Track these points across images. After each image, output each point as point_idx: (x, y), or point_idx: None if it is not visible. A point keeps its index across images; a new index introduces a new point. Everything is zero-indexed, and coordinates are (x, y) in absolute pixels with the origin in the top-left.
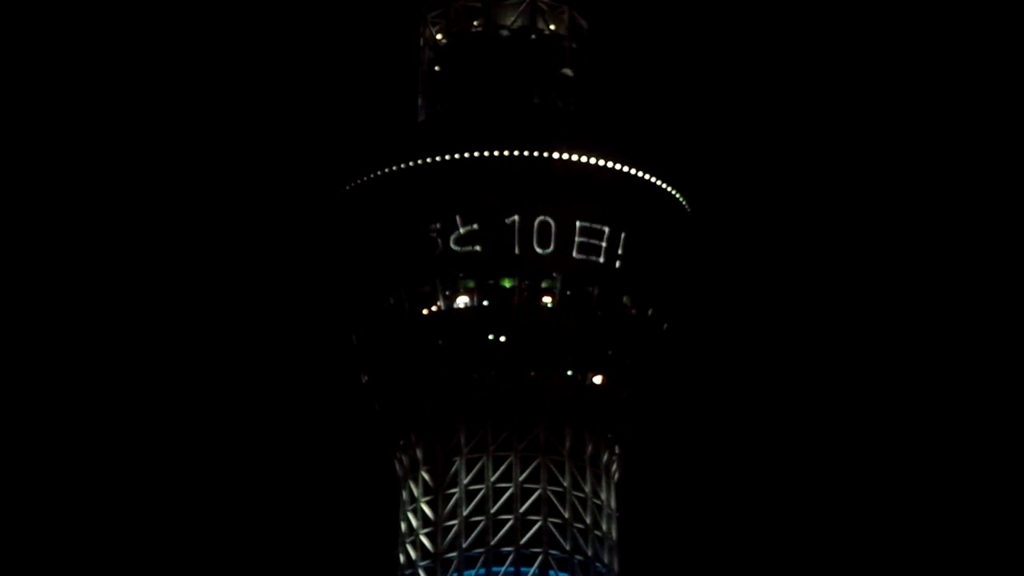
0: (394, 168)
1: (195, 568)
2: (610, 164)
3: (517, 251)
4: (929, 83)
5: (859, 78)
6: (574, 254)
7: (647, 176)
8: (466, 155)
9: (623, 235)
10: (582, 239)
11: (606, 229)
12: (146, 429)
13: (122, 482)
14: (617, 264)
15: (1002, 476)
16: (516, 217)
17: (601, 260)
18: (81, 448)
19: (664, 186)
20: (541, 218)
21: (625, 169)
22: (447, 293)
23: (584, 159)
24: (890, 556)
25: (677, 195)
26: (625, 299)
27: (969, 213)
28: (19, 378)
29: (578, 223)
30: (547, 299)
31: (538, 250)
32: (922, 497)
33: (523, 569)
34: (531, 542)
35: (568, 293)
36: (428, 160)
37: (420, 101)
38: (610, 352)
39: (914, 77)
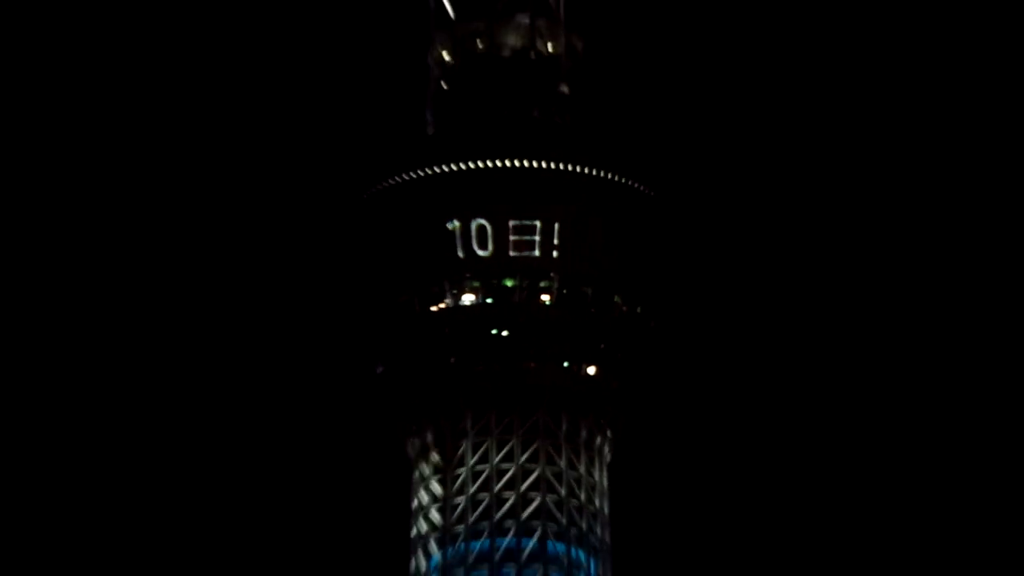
0: (405, 177)
1: (215, 548)
2: (612, 175)
3: (538, 251)
4: (914, 83)
5: (848, 82)
6: (569, 253)
7: (634, 183)
8: (473, 165)
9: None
10: (574, 242)
11: (602, 229)
12: (166, 416)
13: (140, 469)
14: (609, 261)
15: (994, 468)
16: (530, 222)
17: (595, 258)
18: (98, 429)
19: (644, 189)
20: (551, 223)
21: (605, 175)
22: (456, 291)
23: (579, 168)
24: (870, 526)
25: (661, 201)
26: (616, 298)
27: (962, 206)
28: (40, 380)
29: (565, 224)
30: (545, 297)
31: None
32: (902, 469)
33: (524, 541)
34: (531, 517)
35: (565, 292)
36: (440, 169)
37: (428, 115)
38: (602, 346)
39: (898, 80)
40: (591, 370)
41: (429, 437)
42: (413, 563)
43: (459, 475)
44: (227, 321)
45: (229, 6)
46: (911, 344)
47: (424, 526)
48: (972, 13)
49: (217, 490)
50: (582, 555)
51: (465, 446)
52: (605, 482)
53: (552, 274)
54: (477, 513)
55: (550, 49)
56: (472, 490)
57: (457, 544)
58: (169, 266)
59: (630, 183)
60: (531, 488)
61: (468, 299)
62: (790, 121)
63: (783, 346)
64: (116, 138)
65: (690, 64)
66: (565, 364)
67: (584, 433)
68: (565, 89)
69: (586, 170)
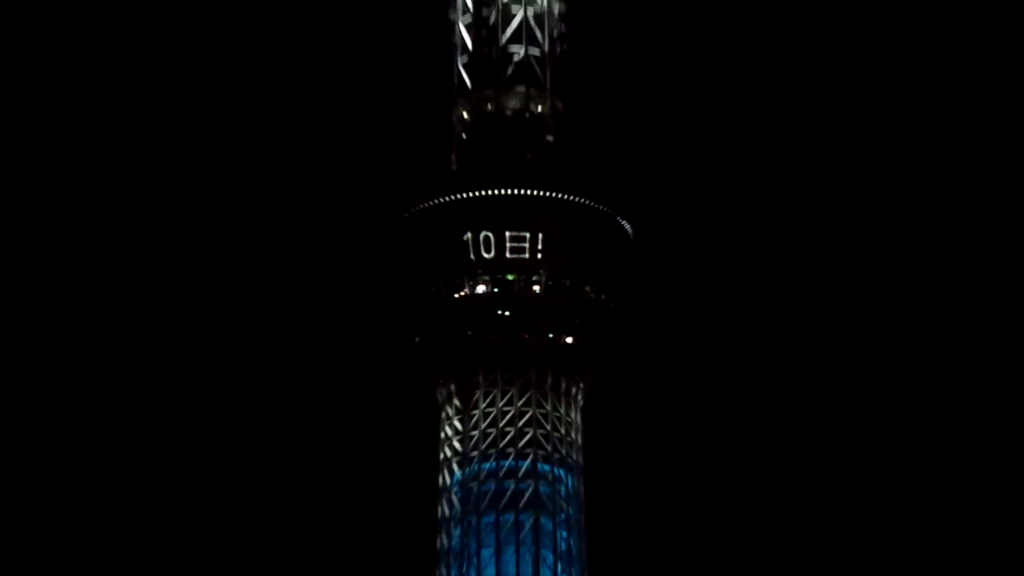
0: (436, 201)
1: (283, 468)
2: (583, 202)
3: (527, 255)
4: (892, 98)
5: (821, 105)
6: (553, 255)
7: (599, 205)
8: (483, 193)
9: (587, 243)
10: (554, 247)
11: (581, 239)
12: (225, 376)
13: (184, 442)
14: (584, 259)
15: (973, 461)
16: (523, 233)
17: (582, 255)
18: (116, 418)
19: (606, 209)
20: (539, 233)
21: (579, 200)
22: (472, 283)
23: (561, 196)
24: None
25: (618, 217)
26: (587, 288)
27: (952, 208)
28: (62, 378)
29: (550, 235)
30: (536, 288)
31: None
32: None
33: (520, 462)
34: (525, 445)
35: (550, 283)
36: (459, 196)
37: (453, 157)
38: (577, 322)
39: (874, 96)
40: (569, 339)
41: (452, 388)
42: (440, 479)
43: (473, 415)
44: (301, 306)
45: (290, 61)
46: (880, 325)
47: (448, 452)
48: (953, 13)
49: (287, 426)
50: (562, 472)
51: (478, 394)
52: (579, 420)
53: (540, 271)
54: (487, 443)
55: (539, 110)
56: (483, 426)
57: (472, 465)
58: (249, 267)
59: (595, 205)
60: (526, 424)
61: (480, 289)
62: (744, 141)
63: (724, 315)
64: (177, 150)
65: (646, 113)
66: (550, 335)
67: (564, 385)
68: (550, 138)
69: (563, 196)
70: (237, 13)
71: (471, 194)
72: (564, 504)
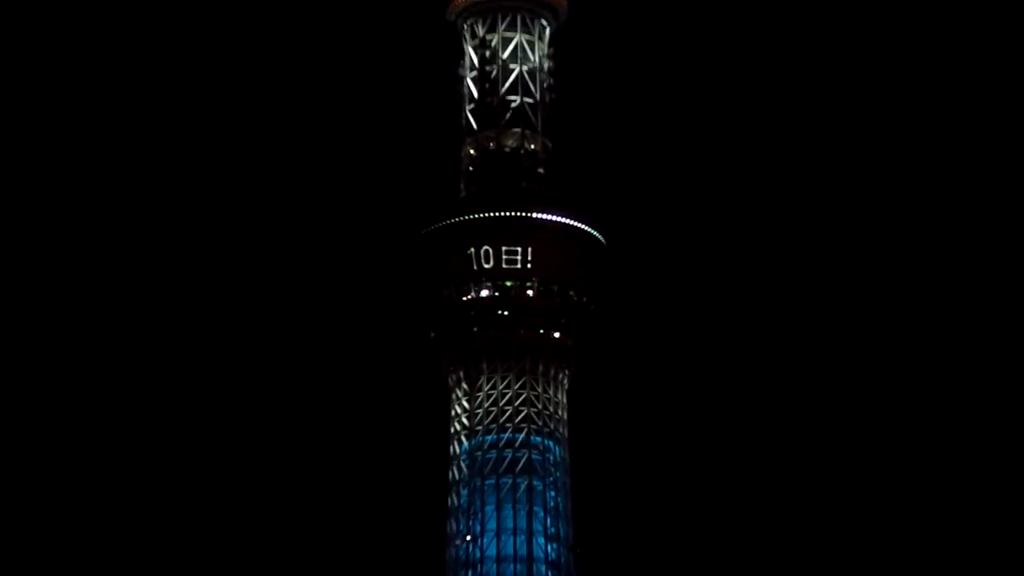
0: (446, 223)
1: (298, 448)
2: (568, 222)
3: (520, 265)
4: (866, 111)
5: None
6: (542, 266)
7: (580, 224)
8: (489, 215)
9: (566, 255)
10: (557, 257)
11: (566, 249)
12: (239, 366)
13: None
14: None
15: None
16: (517, 248)
17: (566, 266)
18: (127, 412)
19: (586, 228)
20: (530, 247)
21: (563, 220)
22: (476, 288)
23: (546, 216)
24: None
25: (596, 234)
26: (571, 292)
27: (932, 213)
28: (79, 376)
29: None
30: (530, 292)
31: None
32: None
33: (516, 435)
34: (521, 420)
35: (541, 288)
36: (467, 217)
37: (461, 186)
38: (563, 320)
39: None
40: (556, 334)
41: (460, 374)
42: (451, 449)
43: (478, 397)
44: (339, 307)
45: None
46: (857, 314)
47: (457, 427)
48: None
49: (315, 400)
50: (551, 443)
51: (482, 379)
52: (564, 400)
53: (532, 278)
54: (489, 419)
55: (532, 147)
56: (486, 405)
57: (477, 437)
58: (279, 273)
59: (577, 224)
60: (521, 404)
61: (484, 293)
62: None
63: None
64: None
65: (618, 151)
66: (541, 331)
67: (552, 371)
68: (541, 171)
69: (551, 217)
70: (283, 53)
71: (475, 216)
72: (552, 469)
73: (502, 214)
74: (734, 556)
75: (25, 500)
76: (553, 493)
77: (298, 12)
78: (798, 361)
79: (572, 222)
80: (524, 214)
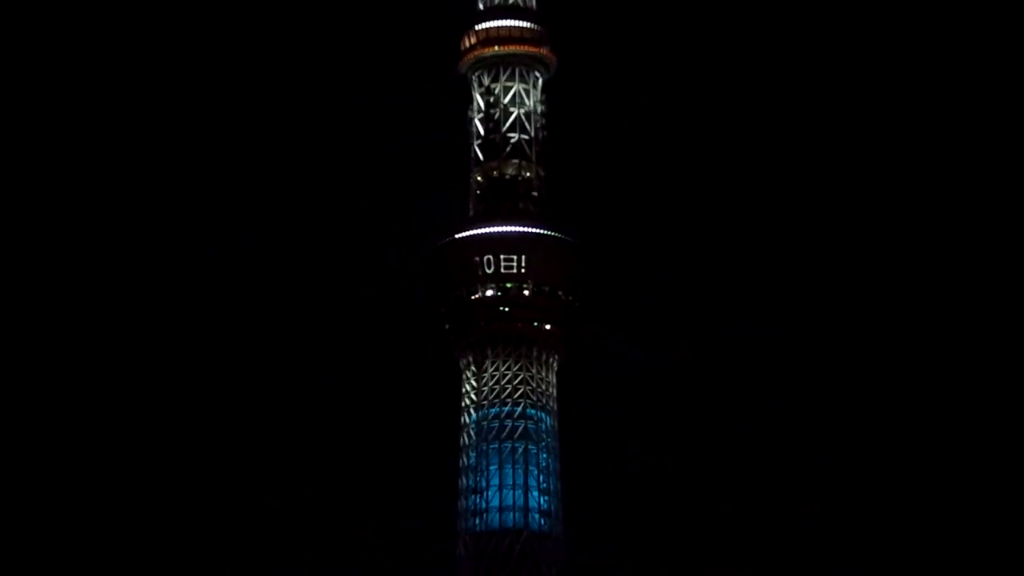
0: (457, 236)
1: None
2: (556, 235)
3: (517, 270)
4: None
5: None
6: (536, 271)
7: (566, 237)
8: (492, 231)
9: (557, 262)
10: (547, 263)
11: (558, 258)
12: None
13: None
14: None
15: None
16: (515, 256)
17: (555, 271)
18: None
19: (571, 240)
20: (525, 256)
21: (552, 234)
22: (483, 289)
23: (537, 231)
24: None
25: (579, 244)
26: (559, 292)
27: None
28: (95, 373)
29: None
30: (526, 292)
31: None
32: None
33: (515, 408)
34: (518, 396)
35: (534, 289)
36: (474, 232)
37: (470, 206)
38: (552, 315)
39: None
40: (547, 326)
41: (470, 358)
42: (462, 419)
43: (484, 376)
44: (371, 304)
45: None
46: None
47: (467, 401)
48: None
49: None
50: (542, 415)
51: (487, 362)
52: (554, 380)
53: (528, 281)
54: (493, 395)
55: (527, 175)
56: (490, 384)
57: (483, 409)
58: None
59: (563, 237)
60: (518, 383)
61: (488, 293)
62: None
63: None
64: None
65: (599, 178)
66: (535, 324)
67: (544, 356)
68: (535, 194)
69: (542, 232)
70: (332, 103)
71: (481, 231)
72: (544, 436)
73: (503, 229)
74: (697, 506)
75: (15, 500)
76: (544, 455)
77: (347, 72)
78: (749, 340)
79: (559, 235)
80: (520, 229)
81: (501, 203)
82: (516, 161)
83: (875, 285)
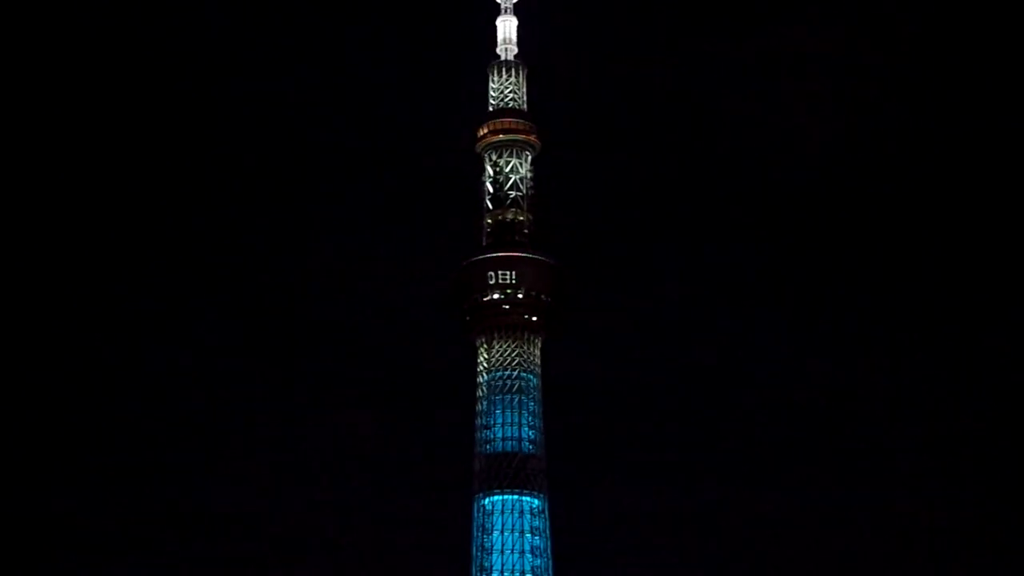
0: (475, 259)
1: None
2: (539, 258)
3: (512, 281)
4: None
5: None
6: (526, 282)
7: (547, 259)
8: (498, 255)
9: (539, 275)
10: (534, 277)
11: (546, 273)
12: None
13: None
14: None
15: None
16: (512, 272)
17: (539, 282)
18: None
19: (551, 261)
20: (516, 271)
21: (537, 257)
22: (491, 293)
23: (528, 256)
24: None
25: (557, 265)
26: (542, 296)
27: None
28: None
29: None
30: (520, 296)
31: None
32: None
33: (512, 372)
34: (515, 364)
35: (526, 294)
36: (486, 256)
37: (484, 239)
38: (537, 310)
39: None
40: (534, 318)
41: (483, 339)
42: (478, 380)
43: (492, 351)
44: (413, 307)
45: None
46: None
47: (481, 367)
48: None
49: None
50: (531, 376)
51: (494, 342)
52: (538, 353)
53: (520, 288)
54: (497, 364)
55: (521, 219)
56: (496, 356)
57: (492, 372)
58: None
59: (545, 259)
60: (515, 355)
61: (495, 296)
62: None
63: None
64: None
65: (569, 220)
66: (525, 316)
67: (532, 337)
68: (526, 231)
69: (530, 256)
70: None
71: (490, 255)
72: (532, 391)
73: (504, 254)
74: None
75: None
76: (532, 404)
77: (403, 148)
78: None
79: (542, 258)
80: (516, 254)
81: (504, 237)
82: (513, 209)
83: (831, 304)
